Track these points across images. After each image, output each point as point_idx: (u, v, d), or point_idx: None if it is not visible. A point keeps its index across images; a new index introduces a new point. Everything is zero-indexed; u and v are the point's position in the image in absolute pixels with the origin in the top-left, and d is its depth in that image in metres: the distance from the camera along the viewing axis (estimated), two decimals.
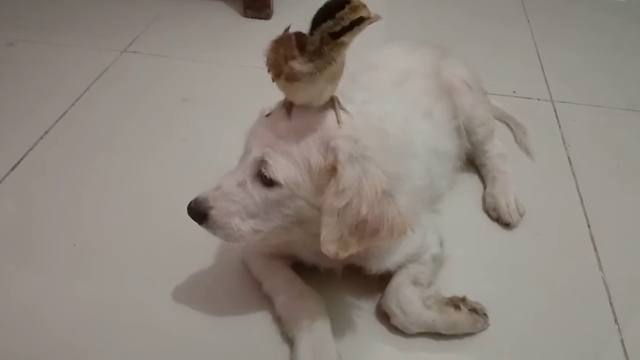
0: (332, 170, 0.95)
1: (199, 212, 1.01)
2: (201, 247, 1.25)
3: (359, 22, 0.88)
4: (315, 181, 0.98)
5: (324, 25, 0.89)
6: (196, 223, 1.03)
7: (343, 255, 0.98)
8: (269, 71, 0.95)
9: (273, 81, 0.96)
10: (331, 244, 0.97)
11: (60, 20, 2.23)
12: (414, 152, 1.19)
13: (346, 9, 0.87)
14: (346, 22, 0.88)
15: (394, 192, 0.97)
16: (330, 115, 0.99)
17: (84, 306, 1.17)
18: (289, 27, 0.96)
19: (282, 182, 0.97)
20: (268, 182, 0.99)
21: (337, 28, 0.88)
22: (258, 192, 1.00)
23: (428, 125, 1.30)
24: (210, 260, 1.27)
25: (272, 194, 0.99)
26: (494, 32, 2.34)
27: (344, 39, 0.89)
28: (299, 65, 0.91)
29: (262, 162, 0.98)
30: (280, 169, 0.97)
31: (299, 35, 0.93)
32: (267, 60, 0.95)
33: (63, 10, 2.30)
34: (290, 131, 0.98)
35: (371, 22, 0.89)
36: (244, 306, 1.18)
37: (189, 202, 1.03)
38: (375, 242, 0.99)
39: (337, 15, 0.88)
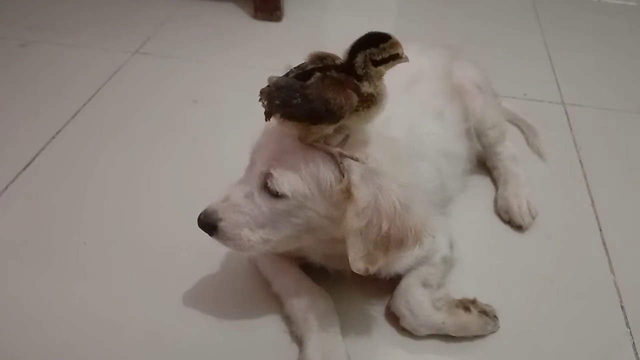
0: (347, 191, 0.96)
1: (208, 224, 1.02)
2: (210, 246, 1.23)
3: (395, 57, 0.94)
4: (327, 196, 0.98)
5: (368, 51, 0.92)
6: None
7: (372, 269, 0.99)
8: (338, 112, 0.92)
9: (338, 120, 0.93)
10: (359, 262, 0.97)
11: (71, 21, 2.25)
12: (423, 154, 1.19)
13: (389, 42, 0.93)
14: (386, 54, 0.93)
15: (410, 202, 0.97)
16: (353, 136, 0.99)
17: (91, 306, 1.18)
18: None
19: (288, 194, 0.98)
20: (275, 194, 0.99)
21: (379, 57, 0.92)
22: (266, 203, 1.00)
23: (439, 127, 1.30)
24: (219, 259, 1.27)
25: (279, 204, 1.00)
26: (504, 35, 2.34)
27: (381, 68, 0.94)
28: (367, 88, 0.93)
29: (267, 175, 0.98)
30: (286, 181, 0.97)
31: (339, 67, 0.94)
32: (335, 103, 0.91)
33: (75, 12, 2.32)
34: (296, 147, 0.98)
35: (401, 62, 0.95)
36: (253, 305, 1.18)
37: (198, 205, 1.03)
38: (402, 252, 1.00)
39: (381, 46, 0.92)
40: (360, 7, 2.46)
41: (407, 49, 1.43)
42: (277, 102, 0.93)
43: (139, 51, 2.07)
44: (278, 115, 0.95)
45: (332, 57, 0.95)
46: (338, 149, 0.97)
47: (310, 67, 0.94)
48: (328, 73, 0.93)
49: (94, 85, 1.86)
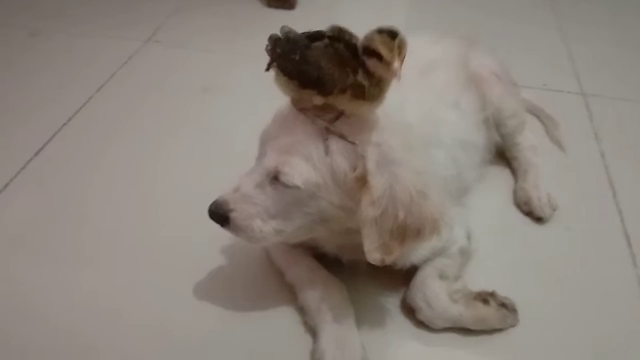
0: (362, 179, 0.93)
1: (220, 215, 1.00)
2: (222, 236, 1.22)
3: (379, 57, 0.87)
4: (341, 185, 0.96)
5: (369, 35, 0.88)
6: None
7: (388, 260, 0.96)
8: (328, 84, 0.90)
9: (326, 93, 0.91)
10: (375, 252, 0.95)
11: (82, 10, 2.23)
12: (439, 142, 1.16)
13: (379, 36, 0.87)
14: (372, 46, 0.87)
15: (426, 189, 0.94)
16: (352, 117, 0.96)
17: (100, 296, 1.16)
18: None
19: (300, 186, 0.95)
20: (286, 185, 0.96)
21: (366, 43, 0.87)
22: (277, 193, 0.98)
23: (455, 116, 1.26)
24: (230, 250, 1.24)
25: (291, 194, 0.97)
26: (520, 27, 2.28)
27: (367, 62, 0.88)
28: (360, 77, 0.89)
29: (278, 171, 0.96)
30: (298, 173, 0.94)
31: (349, 44, 0.90)
32: (326, 73, 0.89)
33: (85, 1, 2.30)
34: (308, 135, 0.95)
35: (386, 72, 0.87)
36: (265, 296, 1.16)
37: (208, 195, 1.01)
38: (418, 242, 0.97)
39: (373, 34, 0.87)
40: None
41: (420, 37, 1.42)
42: (279, 50, 0.92)
43: (151, 39, 2.05)
44: (275, 65, 0.94)
45: (350, 34, 0.91)
46: (325, 124, 0.94)
47: (330, 34, 0.91)
48: (336, 44, 0.90)
49: (105, 73, 1.84)
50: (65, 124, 1.62)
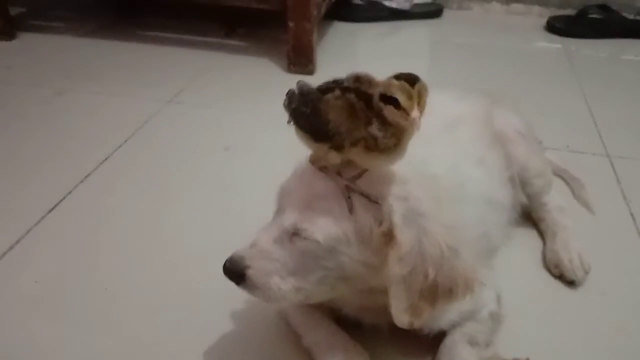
0: (389, 235, 0.88)
1: (235, 272, 0.94)
2: (236, 296, 1.16)
3: (397, 106, 0.80)
4: (366, 242, 0.90)
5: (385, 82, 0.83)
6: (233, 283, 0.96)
7: (418, 323, 0.90)
8: (336, 137, 0.86)
9: (338, 147, 0.87)
10: (403, 314, 0.89)
11: (107, 72, 2.29)
12: (466, 198, 1.11)
13: (398, 82, 0.80)
14: (389, 93, 0.80)
15: (458, 245, 0.89)
16: (375, 172, 0.92)
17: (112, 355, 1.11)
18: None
19: (321, 240, 0.90)
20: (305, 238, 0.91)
21: (383, 90, 0.82)
22: (296, 249, 0.92)
23: (480, 172, 1.22)
24: (245, 310, 1.19)
25: (309, 247, 0.91)
26: (540, 87, 2.28)
27: (384, 109, 0.82)
28: (374, 129, 0.84)
29: (297, 228, 0.91)
30: (318, 229, 0.90)
31: (360, 93, 0.86)
32: (333, 126, 0.86)
33: (111, 63, 2.36)
34: (330, 189, 0.91)
35: (405, 122, 0.80)
36: None
37: (226, 253, 0.96)
38: (451, 302, 0.91)
39: (391, 80, 0.82)
40: (391, 59, 2.44)
41: (444, 94, 1.41)
42: (293, 106, 0.91)
43: (173, 100, 2.08)
44: (291, 120, 0.93)
45: (369, 82, 0.87)
46: (346, 182, 0.90)
47: (345, 84, 0.89)
48: (347, 94, 0.86)
49: (126, 131, 1.86)
50: (82, 181, 1.62)
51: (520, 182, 1.37)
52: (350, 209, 0.90)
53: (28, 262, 1.34)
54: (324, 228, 0.90)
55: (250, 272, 0.94)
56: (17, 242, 1.39)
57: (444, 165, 1.07)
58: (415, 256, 0.87)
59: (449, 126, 1.24)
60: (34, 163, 1.71)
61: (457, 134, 1.24)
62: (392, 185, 0.90)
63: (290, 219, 0.93)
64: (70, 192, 1.57)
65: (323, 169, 0.93)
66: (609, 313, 1.22)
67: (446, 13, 3.06)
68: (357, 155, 0.89)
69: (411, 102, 0.79)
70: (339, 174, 0.92)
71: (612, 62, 2.64)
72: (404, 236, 0.87)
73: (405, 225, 0.87)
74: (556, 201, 1.44)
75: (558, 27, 2.82)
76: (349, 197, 0.90)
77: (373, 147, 0.86)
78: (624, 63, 2.65)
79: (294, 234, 0.92)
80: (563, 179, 1.64)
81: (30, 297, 1.24)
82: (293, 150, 0.96)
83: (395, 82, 0.81)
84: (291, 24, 2.26)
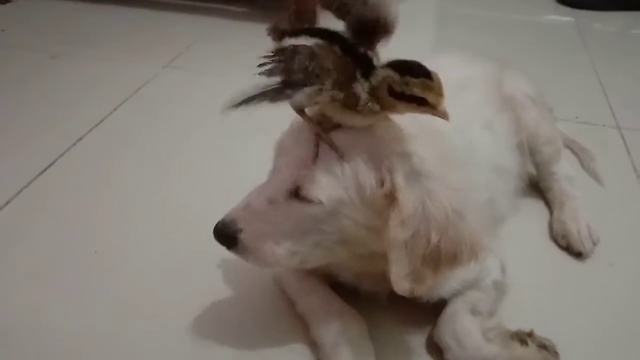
0: (390, 196, 0.82)
1: (226, 236, 0.88)
2: (229, 262, 1.13)
3: (421, 102, 0.76)
4: (367, 203, 0.85)
5: (390, 74, 0.77)
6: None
7: (419, 290, 0.85)
8: (314, 75, 0.81)
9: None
10: (404, 281, 0.83)
11: (103, 37, 2.23)
12: (472, 160, 1.05)
13: (418, 80, 0.75)
14: (408, 91, 0.76)
15: (464, 208, 0.84)
16: (378, 127, 0.86)
17: (96, 321, 1.07)
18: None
19: (324, 201, 0.84)
20: (306, 199, 0.86)
21: (397, 89, 0.77)
22: (293, 209, 0.86)
23: (488, 137, 1.17)
24: (239, 277, 1.14)
25: (309, 210, 0.85)
26: (550, 59, 2.21)
27: (398, 105, 0.79)
28: (364, 92, 0.79)
29: (297, 186, 0.85)
30: (320, 187, 0.83)
31: (365, 55, 0.81)
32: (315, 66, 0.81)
33: (107, 28, 2.30)
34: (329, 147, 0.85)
35: (433, 114, 0.77)
36: (274, 329, 1.04)
37: (219, 216, 0.90)
38: (454, 269, 0.86)
39: (406, 79, 0.76)
40: (396, 30, 2.38)
41: (451, 56, 1.35)
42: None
43: (169, 65, 2.02)
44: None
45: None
46: (317, 129, 0.85)
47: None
48: (333, 47, 0.81)
49: (121, 95, 1.80)
50: (74, 144, 1.57)
51: (529, 149, 1.31)
52: (314, 158, 0.84)
53: (18, 224, 1.30)
54: (326, 188, 0.84)
55: (242, 236, 0.88)
56: (7, 203, 1.35)
57: (450, 125, 1.01)
58: (418, 219, 0.81)
59: (456, 88, 1.17)
60: (25, 125, 1.67)
61: (465, 96, 1.17)
62: (396, 141, 0.84)
63: (288, 176, 0.87)
64: (62, 155, 1.52)
65: (301, 113, 0.86)
66: (616, 285, 1.18)
67: None
68: (331, 108, 0.84)
69: (440, 98, 0.76)
70: (319, 122, 0.86)
71: (624, 35, 2.58)
72: (407, 198, 0.81)
73: (408, 186, 0.82)
74: (565, 170, 1.38)
75: None
76: (317, 146, 0.84)
77: (352, 105, 0.81)
78: (635, 36, 2.58)
79: (294, 194, 0.86)
80: (572, 149, 1.59)
81: (21, 260, 1.20)
82: (291, 116, 0.90)
83: (414, 80, 0.75)
84: None
